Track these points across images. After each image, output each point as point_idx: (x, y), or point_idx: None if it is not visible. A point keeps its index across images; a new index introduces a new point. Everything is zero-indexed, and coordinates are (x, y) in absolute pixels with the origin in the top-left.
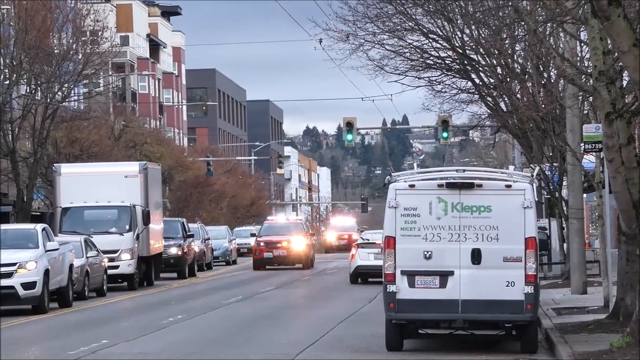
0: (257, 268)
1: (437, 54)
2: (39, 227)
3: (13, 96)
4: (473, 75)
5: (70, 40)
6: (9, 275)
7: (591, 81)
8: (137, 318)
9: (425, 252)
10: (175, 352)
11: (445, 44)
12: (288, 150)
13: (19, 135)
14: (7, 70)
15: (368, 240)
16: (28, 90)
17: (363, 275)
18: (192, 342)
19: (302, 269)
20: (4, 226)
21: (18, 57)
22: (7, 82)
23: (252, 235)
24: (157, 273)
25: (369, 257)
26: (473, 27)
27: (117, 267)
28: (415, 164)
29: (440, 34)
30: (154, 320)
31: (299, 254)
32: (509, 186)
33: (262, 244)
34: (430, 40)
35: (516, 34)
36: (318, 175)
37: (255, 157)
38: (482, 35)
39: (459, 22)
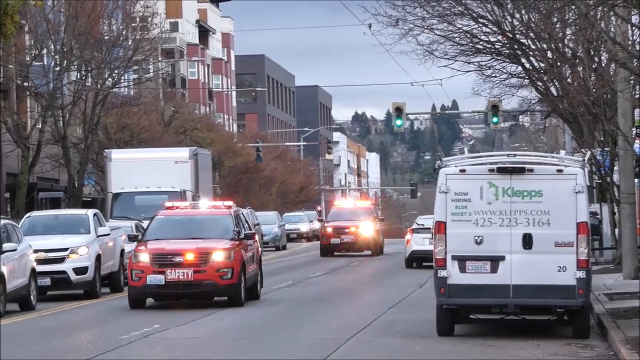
0: (134, 306)
1: (487, 39)
2: (91, 212)
3: (64, 82)
4: (523, 60)
5: (120, 27)
6: (61, 260)
7: None
8: (189, 303)
9: (476, 237)
10: (226, 336)
11: (495, 29)
12: (337, 135)
13: (70, 121)
14: (57, 57)
15: (423, 225)
16: (78, 77)
17: (418, 260)
18: (243, 327)
19: (230, 306)
20: (56, 211)
21: (68, 43)
22: (58, 68)
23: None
24: None
25: (423, 242)
26: (523, 11)
27: None
28: (465, 149)
29: (490, 18)
30: (203, 305)
31: (219, 274)
32: (560, 171)
33: (146, 257)
34: (480, 25)
35: (567, 17)
36: (367, 160)
37: (304, 143)
38: (533, 19)
39: (508, 6)
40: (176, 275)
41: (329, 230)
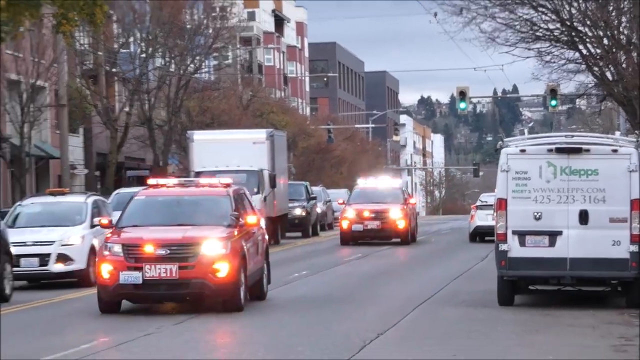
0: (105, 310)
1: (546, 26)
2: None
3: (149, 68)
4: (580, 46)
5: (202, 16)
6: None
7: None
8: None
9: (535, 213)
10: (300, 304)
11: (554, 17)
12: (403, 118)
13: (155, 104)
14: (143, 44)
15: (486, 202)
16: (163, 63)
17: (481, 235)
18: (316, 296)
19: (227, 310)
20: (142, 188)
21: (153, 32)
22: (144, 55)
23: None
24: (283, 232)
25: (487, 217)
26: (581, 0)
27: None
28: (525, 131)
29: (549, 6)
30: (281, 276)
31: (212, 271)
32: (615, 151)
33: (119, 249)
34: (540, 13)
35: (622, 6)
36: (432, 141)
37: (373, 125)
38: (589, 7)
39: None
40: (157, 272)
41: (351, 214)
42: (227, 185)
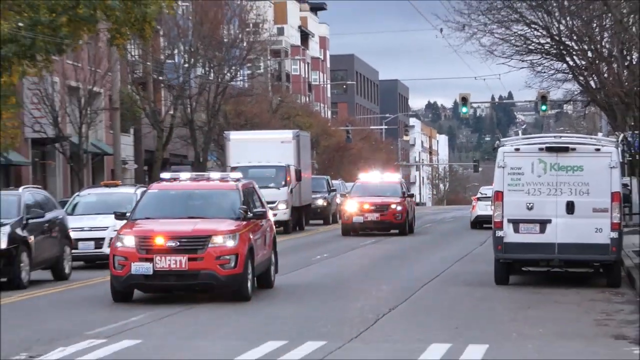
0: (117, 299)
1: (538, 41)
2: None
3: (191, 77)
4: (567, 59)
5: (237, 31)
6: None
7: None
8: (292, 256)
9: (528, 204)
10: (323, 283)
11: (545, 32)
12: (412, 121)
13: (196, 108)
14: (186, 56)
15: (486, 194)
16: (203, 72)
17: (480, 223)
18: (336, 275)
19: (233, 300)
20: None
21: (195, 45)
22: (187, 65)
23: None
24: (306, 220)
25: (486, 208)
26: (568, 17)
27: (274, 215)
28: (519, 132)
29: (540, 24)
30: (305, 258)
31: (220, 262)
32: (598, 150)
33: (131, 241)
34: (532, 29)
35: (604, 23)
36: (437, 141)
37: (386, 127)
38: (576, 24)
39: (556, 14)
40: (167, 264)
41: (352, 207)
42: (237, 180)
